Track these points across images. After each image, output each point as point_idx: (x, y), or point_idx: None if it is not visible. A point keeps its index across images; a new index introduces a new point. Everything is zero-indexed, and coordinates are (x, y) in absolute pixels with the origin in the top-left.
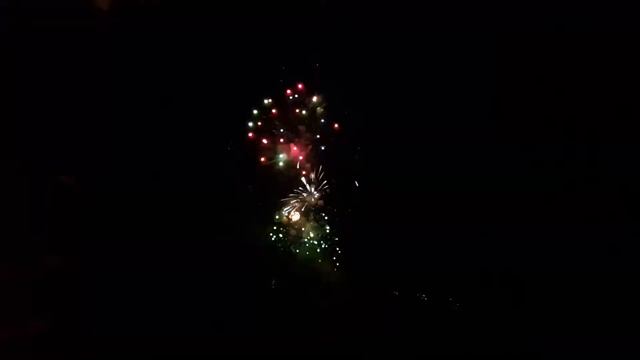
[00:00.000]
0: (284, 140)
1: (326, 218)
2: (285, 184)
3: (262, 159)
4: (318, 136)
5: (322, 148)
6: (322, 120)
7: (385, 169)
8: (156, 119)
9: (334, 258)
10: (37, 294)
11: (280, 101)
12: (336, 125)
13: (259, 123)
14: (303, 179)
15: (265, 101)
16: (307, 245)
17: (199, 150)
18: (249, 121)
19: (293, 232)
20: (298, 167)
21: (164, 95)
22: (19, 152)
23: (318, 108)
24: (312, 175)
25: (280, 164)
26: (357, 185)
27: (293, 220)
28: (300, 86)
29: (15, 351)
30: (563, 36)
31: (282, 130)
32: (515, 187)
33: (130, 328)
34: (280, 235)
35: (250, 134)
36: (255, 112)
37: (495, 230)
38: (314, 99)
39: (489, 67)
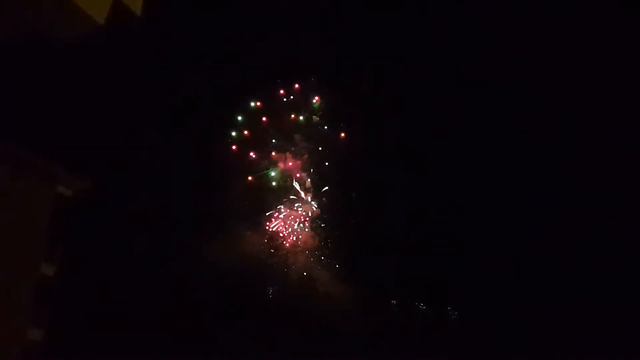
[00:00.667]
0: (275, 154)
1: (324, 227)
2: (281, 192)
3: (250, 178)
4: (320, 148)
5: (327, 163)
6: (326, 127)
7: (385, 178)
8: (151, 127)
9: (331, 267)
10: (35, 302)
11: (274, 105)
12: (342, 135)
13: (245, 132)
14: (299, 187)
15: (253, 104)
16: (304, 254)
17: (194, 158)
18: (241, 129)
19: (290, 241)
20: (294, 180)
21: (159, 103)
22: (17, 161)
23: (314, 117)
24: (308, 183)
25: (274, 183)
26: (354, 195)
27: (291, 230)
28: (296, 86)
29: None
30: None
31: (274, 141)
32: (512, 196)
33: (125, 335)
34: (274, 248)
35: (234, 147)
36: (240, 118)
37: (492, 241)
38: (314, 100)
39: (488, 75)
